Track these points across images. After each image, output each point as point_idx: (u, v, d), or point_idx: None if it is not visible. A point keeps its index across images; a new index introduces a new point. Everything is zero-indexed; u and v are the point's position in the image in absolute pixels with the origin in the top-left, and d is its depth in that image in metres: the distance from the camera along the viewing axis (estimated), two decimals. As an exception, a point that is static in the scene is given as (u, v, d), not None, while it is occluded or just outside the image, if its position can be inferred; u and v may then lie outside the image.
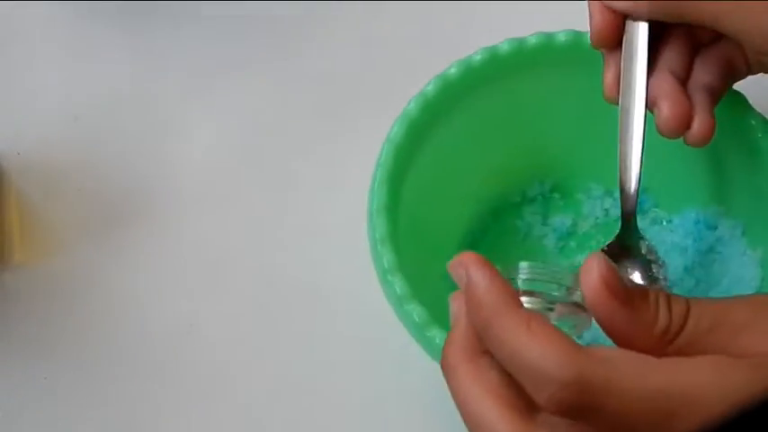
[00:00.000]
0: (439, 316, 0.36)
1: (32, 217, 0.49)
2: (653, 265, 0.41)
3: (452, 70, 0.42)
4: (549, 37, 0.42)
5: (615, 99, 0.38)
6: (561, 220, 0.47)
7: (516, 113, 0.44)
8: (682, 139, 0.37)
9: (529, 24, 0.43)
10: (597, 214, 0.47)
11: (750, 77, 0.39)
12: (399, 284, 0.37)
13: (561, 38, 0.42)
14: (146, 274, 0.47)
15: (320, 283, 0.46)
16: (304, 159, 0.49)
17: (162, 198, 0.49)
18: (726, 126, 0.39)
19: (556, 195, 0.47)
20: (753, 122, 0.41)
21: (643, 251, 0.41)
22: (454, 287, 0.31)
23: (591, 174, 0.46)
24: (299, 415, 0.44)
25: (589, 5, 0.38)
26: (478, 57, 0.41)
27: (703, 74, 0.38)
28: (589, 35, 0.39)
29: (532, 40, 0.42)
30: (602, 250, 0.42)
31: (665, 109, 0.37)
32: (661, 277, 0.42)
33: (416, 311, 0.37)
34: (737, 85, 0.40)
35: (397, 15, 0.52)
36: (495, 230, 0.47)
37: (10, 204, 0.48)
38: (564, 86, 0.43)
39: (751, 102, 0.41)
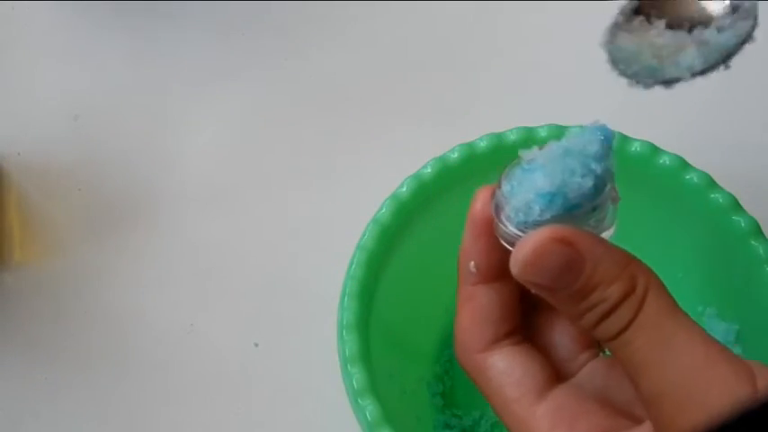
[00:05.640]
0: None
1: (32, 217, 0.49)
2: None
3: (427, 169, 0.39)
4: (530, 132, 0.39)
5: None
6: None
7: None
8: None
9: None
10: None
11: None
12: (370, 408, 0.35)
13: (542, 133, 0.39)
14: (146, 273, 0.47)
15: (321, 284, 0.46)
16: (305, 159, 0.49)
17: (162, 198, 0.49)
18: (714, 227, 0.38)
19: None
20: (742, 224, 0.38)
21: None
22: (425, 407, 0.33)
23: None
24: (300, 416, 0.44)
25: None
26: (455, 155, 0.39)
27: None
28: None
29: (511, 136, 0.39)
30: None
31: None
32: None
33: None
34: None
35: (400, 16, 0.52)
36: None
37: (10, 204, 0.48)
38: None
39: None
